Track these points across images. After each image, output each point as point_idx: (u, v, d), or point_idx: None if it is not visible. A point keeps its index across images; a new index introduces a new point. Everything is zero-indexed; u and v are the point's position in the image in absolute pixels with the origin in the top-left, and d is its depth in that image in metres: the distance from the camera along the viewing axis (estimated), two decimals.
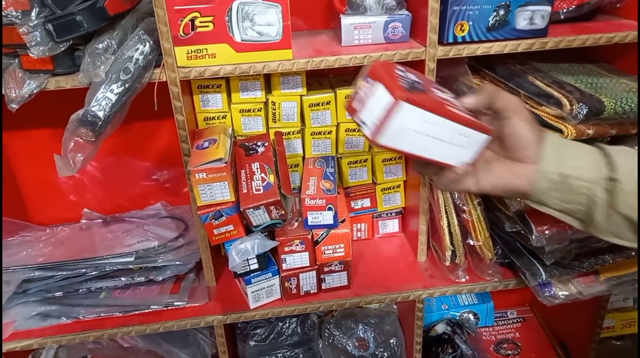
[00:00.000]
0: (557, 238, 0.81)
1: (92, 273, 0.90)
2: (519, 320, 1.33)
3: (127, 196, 1.14)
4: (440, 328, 1.27)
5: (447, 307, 1.31)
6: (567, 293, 0.84)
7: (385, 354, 1.14)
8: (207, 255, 0.92)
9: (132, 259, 0.92)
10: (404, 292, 0.92)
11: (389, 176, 1.02)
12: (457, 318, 1.30)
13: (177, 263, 0.93)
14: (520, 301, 1.38)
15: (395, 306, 1.22)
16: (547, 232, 0.81)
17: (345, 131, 0.98)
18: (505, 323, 1.33)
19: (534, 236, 0.81)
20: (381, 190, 1.03)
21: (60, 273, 0.90)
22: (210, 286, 0.96)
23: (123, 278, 0.92)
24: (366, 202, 1.04)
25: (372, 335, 1.16)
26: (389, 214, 1.07)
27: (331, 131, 0.97)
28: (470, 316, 1.30)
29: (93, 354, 1.08)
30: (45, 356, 1.04)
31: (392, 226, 1.08)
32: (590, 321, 1.12)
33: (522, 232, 0.85)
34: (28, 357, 1.04)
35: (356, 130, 0.98)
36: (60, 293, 0.91)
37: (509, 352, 1.24)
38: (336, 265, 0.91)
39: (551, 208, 0.56)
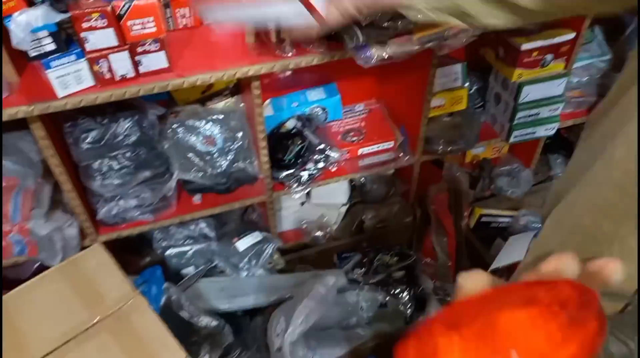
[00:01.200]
0: None
1: None
2: (365, 112, 1.41)
3: None
4: (290, 124, 1.31)
5: (297, 104, 1.34)
6: (381, 53, 0.87)
7: (233, 147, 1.16)
8: None
9: None
10: (230, 70, 0.90)
11: None
12: (307, 113, 1.34)
13: None
14: (367, 95, 1.44)
15: (241, 105, 1.22)
16: None
17: None
18: (353, 115, 1.40)
19: None
20: None
21: None
22: (12, 82, 0.86)
23: None
24: None
25: (219, 131, 1.16)
26: None
27: None
28: (319, 110, 1.35)
29: None
30: None
31: None
32: (420, 102, 1.21)
33: None
34: None
35: None
36: None
37: (354, 139, 1.33)
38: (150, 43, 0.84)
39: (422, 9, 0.55)
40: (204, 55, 0.93)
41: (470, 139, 1.31)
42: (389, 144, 1.33)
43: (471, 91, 1.40)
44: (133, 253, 1.39)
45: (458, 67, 1.28)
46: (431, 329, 0.26)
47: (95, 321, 0.93)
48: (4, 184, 1.03)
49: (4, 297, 0.98)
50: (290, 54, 0.92)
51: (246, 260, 1.28)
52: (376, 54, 0.87)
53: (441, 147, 1.34)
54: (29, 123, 0.90)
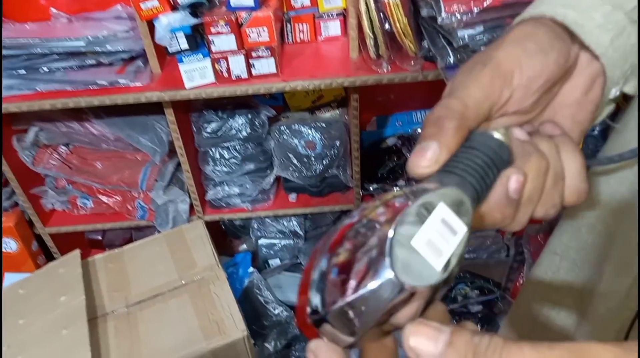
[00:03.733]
0: (465, 18, 0.83)
1: (46, 52, 1.00)
2: None
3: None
4: (391, 141, 1.36)
5: (400, 124, 1.39)
6: None
7: (330, 154, 1.25)
8: (148, 41, 1.00)
9: (82, 43, 1.01)
10: (327, 79, 0.99)
11: None
12: (409, 133, 1.37)
13: (123, 49, 1.02)
14: None
15: (345, 116, 1.30)
16: (455, 11, 0.83)
17: None
18: None
19: (442, 16, 0.83)
20: None
21: (21, 51, 1.00)
22: (155, 73, 1.05)
23: (76, 60, 1.02)
24: (306, 0, 1.06)
25: (320, 137, 1.25)
26: (330, 16, 1.09)
27: None
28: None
29: (69, 140, 1.23)
30: (28, 138, 1.20)
31: (334, 28, 1.11)
32: None
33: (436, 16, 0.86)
34: (12, 139, 1.20)
35: None
36: (23, 71, 1.03)
37: None
38: (263, 50, 0.97)
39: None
40: (310, 65, 1.04)
41: None
42: None
43: (593, 132, 1.30)
44: (234, 238, 1.55)
45: None
46: None
47: (181, 283, 1.07)
48: (138, 158, 1.25)
49: (125, 248, 1.18)
50: (385, 71, 0.98)
51: None
52: None
53: None
54: (164, 108, 1.09)
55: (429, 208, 0.25)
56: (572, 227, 0.51)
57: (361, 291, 0.25)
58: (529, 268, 1.33)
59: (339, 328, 0.26)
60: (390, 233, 0.24)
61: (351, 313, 0.25)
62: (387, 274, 0.24)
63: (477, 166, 0.29)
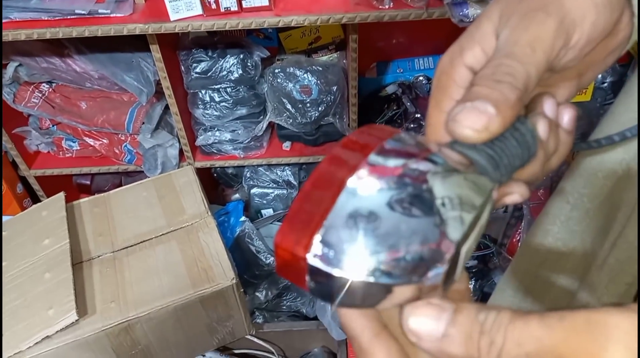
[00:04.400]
0: None
1: None
2: None
3: None
4: (391, 89, 1.29)
5: (402, 71, 1.31)
6: (479, 12, 0.81)
7: (326, 99, 1.18)
8: None
9: None
10: (324, 15, 0.91)
11: None
12: (410, 81, 1.30)
13: None
14: None
15: (343, 60, 1.23)
16: None
17: None
18: None
19: None
20: None
21: None
22: (138, 3, 0.97)
23: None
24: None
25: (316, 82, 1.19)
26: None
27: None
28: (424, 80, 1.30)
29: (51, 77, 1.16)
30: (7, 73, 1.13)
31: None
32: None
33: None
34: None
35: None
36: None
37: None
38: None
39: None
40: (306, 0, 0.96)
41: (585, 136, 1.16)
42: None
43: (603, 84, 1.24)
44: (227, 187, 1.51)
45: None
46: None
47: (169, 230, 1.04)
48: (125, 98, 1.18)
49: (112, 192, 1.14)
50: (387, 7, 0.90)
51: None
52: (474, 13, 0.81)
53: None
54: (149, 44, 1.02)
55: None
56: (587, 172, 0.47)
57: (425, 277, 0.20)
58: (527, 225, 1.30)
59: (352, 298, 0.20)
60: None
61: (383, 289, 0.20)
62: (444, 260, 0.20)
63: (513, 160, 0.24)
